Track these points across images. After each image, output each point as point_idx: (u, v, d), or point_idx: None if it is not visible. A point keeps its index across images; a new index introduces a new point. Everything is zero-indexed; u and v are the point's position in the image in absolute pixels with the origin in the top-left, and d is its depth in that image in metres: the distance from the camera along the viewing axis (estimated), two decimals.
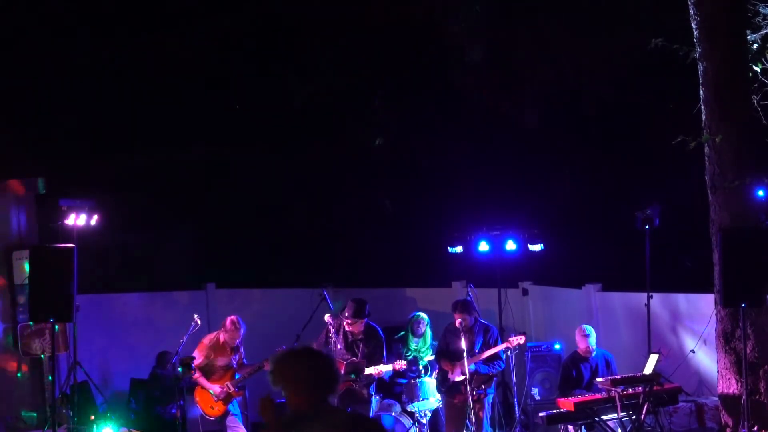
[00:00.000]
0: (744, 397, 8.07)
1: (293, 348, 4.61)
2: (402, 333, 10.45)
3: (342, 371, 8.84)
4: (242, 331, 9.21)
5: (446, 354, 9.24)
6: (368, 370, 9.05)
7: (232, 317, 9.24)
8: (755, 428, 7.97)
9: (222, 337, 9.21)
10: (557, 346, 10.71)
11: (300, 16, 14.79)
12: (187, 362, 9.01)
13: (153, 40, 14.31)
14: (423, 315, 10.33)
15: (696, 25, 8.47)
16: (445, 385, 9.23)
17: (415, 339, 10.21)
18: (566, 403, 8.53)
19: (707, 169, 8.55)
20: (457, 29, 13.49)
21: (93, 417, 9.66)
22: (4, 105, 12.80)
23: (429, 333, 10.24)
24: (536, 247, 10.58)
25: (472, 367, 8.88)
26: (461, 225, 11.26)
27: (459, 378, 9.00)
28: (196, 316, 9.39)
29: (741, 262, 7.97)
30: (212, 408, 9.20)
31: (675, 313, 10.33)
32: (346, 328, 9.26)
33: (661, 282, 10.08)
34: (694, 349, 9.85)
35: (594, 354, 9.39)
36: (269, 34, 15.00)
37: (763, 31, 8.75)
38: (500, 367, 9.24)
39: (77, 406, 9.88)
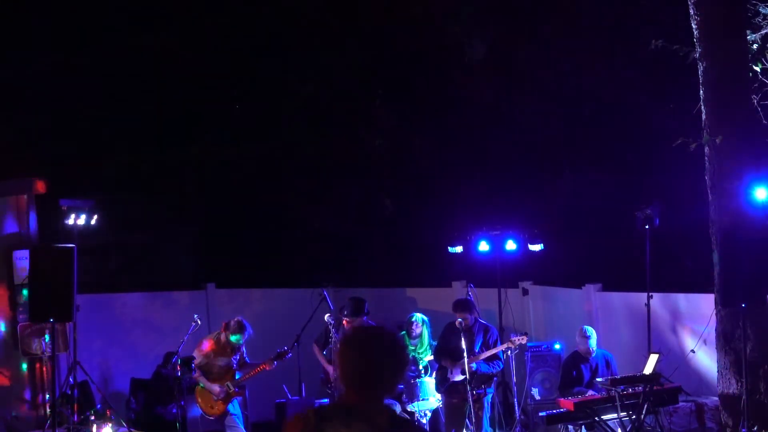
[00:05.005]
0: (744, 397, 8.07)
1: (359, 328, 3.87)
2: (402, 333, 10.44)
3: None
4: (247, 333, 9.15)
5: (446, 352, 9.24)
6: None
7: (238, 319, 9.18)
8: (755, 428, 7.97)
9: (223, 337, 9.19)
10: (557, 346, 10.71)
11: (300, 16, 14.80)
12: (187, 362, 9.00)
13: (153, 40, 14.32)
14: (419, 316, 10.25)
15: (696, 25, 8.48)
16: (444, 385, 9.23)
17: (412, 341, 10.18)
18: (566, 403, 8.54)
19: (707, 169, 8.55)
20: (457, 29, 13.50)
21: (93, 417, 9.66)
22: (5, 105, 12.81)
23: (426, 334, 10.16)
24: (536, 247, 10.57)
25: (474, 366, 8.87)
26: (461, 225, 11.26)
27: (459, 377, 9.00)
28: (196, 316, 9.38)
29: (741, 262, 7.96)
30: (212, 407, 9.19)
31: (675, 313, 10.33)
32: (346, 327, 9.27)
33: (661, 282, 10.08)
34: (694, 349, 9.85)
35: (594, 354, 9.40)
36: (270, 34, 15.00)
37: (763, 31, 8.76)
38: (499, 366, 9.24)
39: (77, 406, 9.89)
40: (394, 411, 3.82)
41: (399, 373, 3.68)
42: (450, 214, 13.53)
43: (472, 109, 14.45)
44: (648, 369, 8.52)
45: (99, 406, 10.39)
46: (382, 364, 3.64)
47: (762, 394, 8.26)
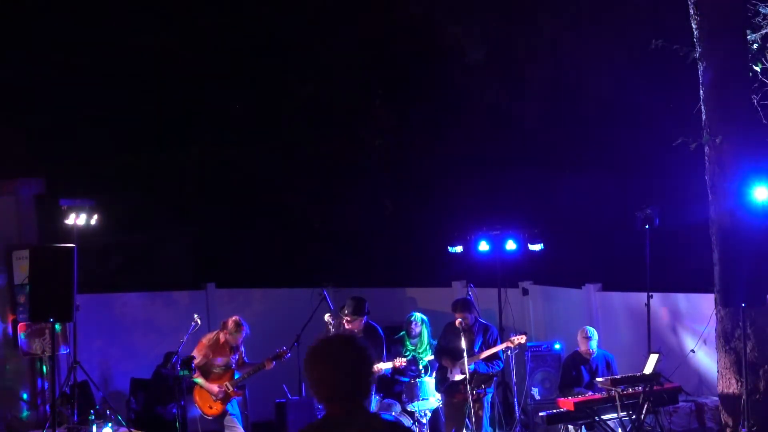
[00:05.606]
0: (744, 397, 8.07)
1: (321, 340, 3.78)
2: (402, 333, 10.44)
3: None
4: (245, 332, 9.16)
5: (446, 352, 9.25)
6: None
7: (235, 318, 9.19)
8: (755, 428, 7.97)
9: (222, 337, 9.18)
10: (557, 346, 10.72)
11: (301, 16, 14.80)
12: (187, 362, 9.00)
13: (153, 40, 14.31)
14: (418, 316, 10.27)
15: (696, 25, 8.48)
16: (444, 384, 9.23)
17: (412, 340, 10.20)
18: (566, 403, 8.54)
19: (707, 169, 8.55)
20: (457, 29, 13.50)
21: (93, 417, 9.66)
22: (5, 105, 12.81)
23: (426, 333, 10.17)
24: (536, 247, 10.57)
25: (471, 366, 8.87)
26: (461, 225, 11.26)
27: (458, 377, 9.00)
28: (196, 315, 9.38)
29: (741, 262, 7.96)
30: (210, 407, 9.18)
31: (675, 313, 10.33)
32: (346, 326, 9.27)
33: (661, 282, 10.08)
34: (694, 349, 9.85)
35: (594, 355, 9.40)
36: (270, 34, 15.00)
37: (763, 31, 8.75)
38: (499, 366, 9.23)
39: (77, 405, 9.89)
40: (383, 417, 3.81)
41: (369, 375, 3.68)
42: (450, 214, 13.52)
43: (472, 109, 14.44)
44: (648, 369, 8.52)
45: (99, 406, 10.39)
46: (349, 372, 3.63)
47: (762, 394, 8.25)
